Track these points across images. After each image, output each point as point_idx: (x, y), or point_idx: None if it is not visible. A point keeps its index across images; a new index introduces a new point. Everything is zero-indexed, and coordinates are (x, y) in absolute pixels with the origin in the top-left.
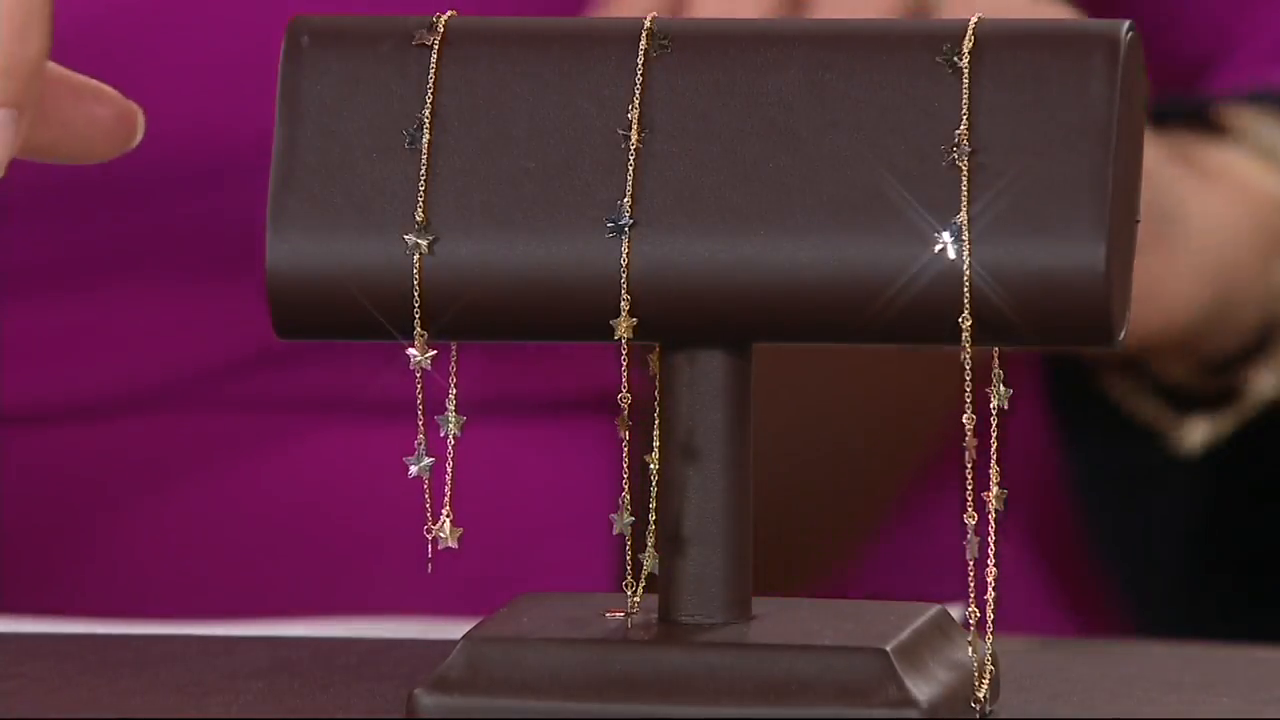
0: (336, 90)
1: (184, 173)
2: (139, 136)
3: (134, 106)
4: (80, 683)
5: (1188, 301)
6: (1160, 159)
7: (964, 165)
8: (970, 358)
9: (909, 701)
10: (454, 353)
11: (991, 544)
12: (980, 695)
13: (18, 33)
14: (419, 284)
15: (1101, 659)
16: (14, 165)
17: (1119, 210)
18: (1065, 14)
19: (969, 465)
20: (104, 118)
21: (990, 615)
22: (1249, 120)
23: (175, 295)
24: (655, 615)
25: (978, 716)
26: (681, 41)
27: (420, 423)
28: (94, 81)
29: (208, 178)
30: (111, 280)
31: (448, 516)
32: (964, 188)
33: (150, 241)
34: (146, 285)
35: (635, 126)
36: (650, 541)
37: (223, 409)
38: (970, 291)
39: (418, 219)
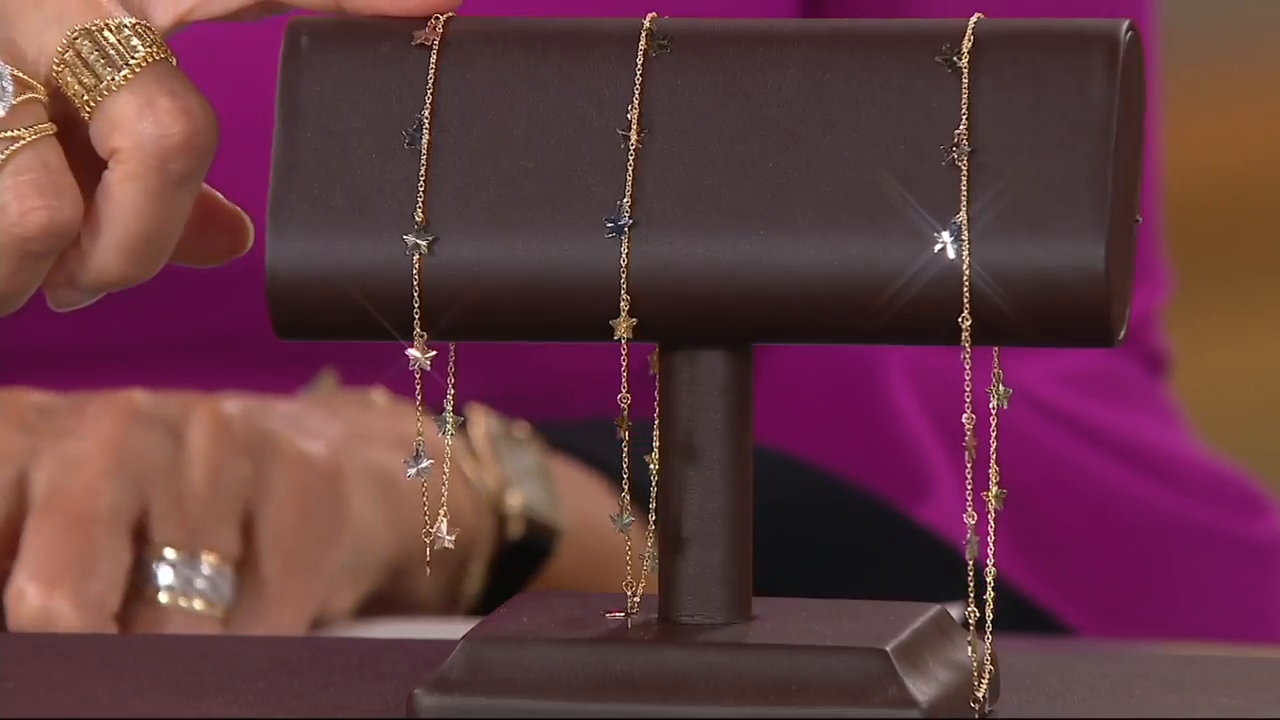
0: (336, 90)
1: (203, 275)
2: (249, 244)
3: (244, 217)
4: (80, 683)
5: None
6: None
7: (963, 165)
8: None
9: (909, 701)
10: (453, 353)
11: (991, 544)
12: (980, 695)
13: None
14: (419, 284)
15: (1101, 659)
16: None
17: (1119, 210)
18: None
19: (969, 465)
20: (215, 230)
21: (990, 615)
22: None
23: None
24: (655, 615)
25: (978, 716)
26: (681, 41)
27: (419, 424)
28: (208, 190)
29: (228, 281)
30: (117, 368)
31: (445, 517)
32: (964, 187)
33: (160, 335)
34: (144, 374)
35: (635, 126)
36: (650, 541)
37: None
38: (970, 291)
39: (417, 219)
